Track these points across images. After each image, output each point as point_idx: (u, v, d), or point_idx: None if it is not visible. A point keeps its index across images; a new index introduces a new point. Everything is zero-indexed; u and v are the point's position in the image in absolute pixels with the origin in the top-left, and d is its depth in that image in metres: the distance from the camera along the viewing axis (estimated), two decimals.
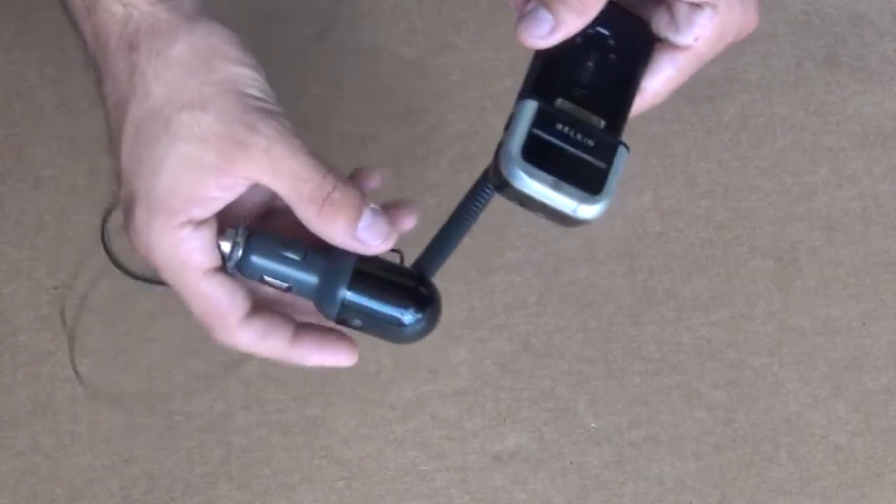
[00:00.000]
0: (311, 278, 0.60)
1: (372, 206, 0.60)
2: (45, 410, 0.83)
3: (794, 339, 0.87)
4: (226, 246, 0.60)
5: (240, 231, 0.60)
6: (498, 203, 0.89)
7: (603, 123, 0.61)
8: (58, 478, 0.82)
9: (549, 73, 0.62)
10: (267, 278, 0.61)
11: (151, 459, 0.82)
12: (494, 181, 0.61)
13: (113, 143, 0.60)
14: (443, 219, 0.64)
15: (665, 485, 0.83)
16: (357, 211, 0.59)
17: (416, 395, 0.85)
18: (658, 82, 0.64)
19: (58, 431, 0.83)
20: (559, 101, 0.61)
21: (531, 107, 0.60)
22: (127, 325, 0.86)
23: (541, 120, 0.60)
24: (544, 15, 0.60)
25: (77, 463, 0.82)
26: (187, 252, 0.58)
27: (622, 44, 0.63)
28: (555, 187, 0.59)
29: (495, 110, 0.90)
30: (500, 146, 0.60)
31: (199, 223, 0.58)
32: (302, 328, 0.62)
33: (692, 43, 0.62)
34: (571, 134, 0.60)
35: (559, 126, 0.60)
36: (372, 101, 0.92)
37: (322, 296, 0.61)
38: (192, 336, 0.85)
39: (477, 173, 0.63)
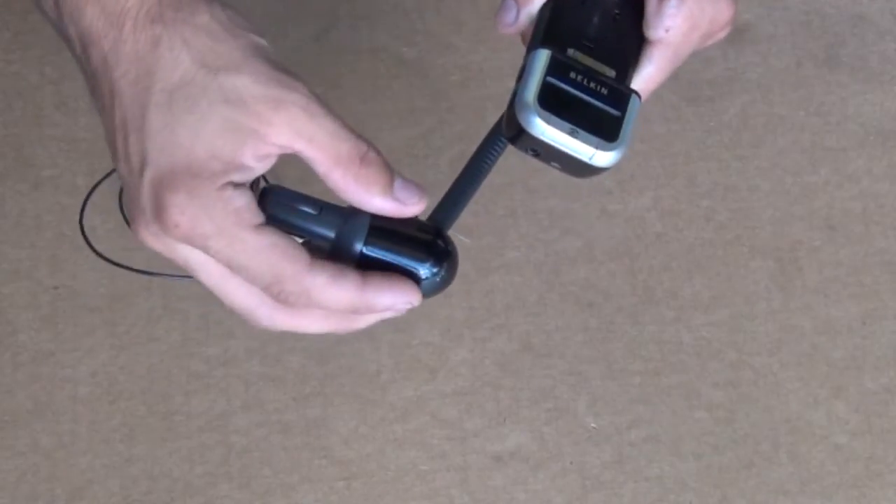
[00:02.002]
0: (327, 233, 0.60)
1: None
2: (45, 410, 0.83)
3: (794, 339, 0.87)
4: None
5: (256, 186, 0.60)
6: (498, 204, 0.89)
7: (613, 73, 0.61)
8: (58, 478, 0.82)
9: (558, 25, 0.62)
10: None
11: (151, 459, 0.82)
12: (509, 132, 0.60)
13: (131, 124, 0.59)
14: None
15: (665, 485, 0.83)
16: (391, 171, 0.59)
17: (416, 395, 0.85)
18: (638, 81, 0.64)
19: (58, 431, 0.83)
20: (570, 52, 0.61)
21: (544, 55, 0.60)
22: (127, 325, 0.86)
23: (554, 68, 0.59)
24: (509, 3, 0.63)
25: (77, 463, 0.82)
26: (238, 210, 0.58)
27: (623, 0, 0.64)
28: (572, 134, 0.58)
29: (495, 110, 0.90)
30: (514, 96, 0.60)
31: (237, 185, 0.58)
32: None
33: (664, 35, 0.63)
34: (585, 82, 0.60)
35: (573, 74, 0.60)
36: (372, 101, 0.92)
37: (339, 250, 0.60)
38: (192, 336, 0.85)
39: None
